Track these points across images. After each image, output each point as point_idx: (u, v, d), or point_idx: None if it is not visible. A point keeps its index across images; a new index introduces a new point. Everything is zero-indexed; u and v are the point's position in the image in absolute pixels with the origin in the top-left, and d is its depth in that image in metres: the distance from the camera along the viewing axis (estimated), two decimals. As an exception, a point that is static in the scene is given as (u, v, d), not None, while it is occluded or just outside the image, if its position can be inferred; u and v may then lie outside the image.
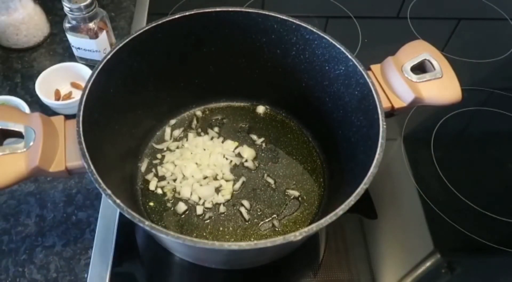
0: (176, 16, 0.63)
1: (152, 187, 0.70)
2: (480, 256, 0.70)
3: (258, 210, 0.69)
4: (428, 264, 0.67)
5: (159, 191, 0.70)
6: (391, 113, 0.63)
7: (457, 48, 1.00)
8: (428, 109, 0.85)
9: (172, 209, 0.68)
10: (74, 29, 0.82)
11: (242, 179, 0.72)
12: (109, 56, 0.58)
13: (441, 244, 0.69)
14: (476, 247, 0.70)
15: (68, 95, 0.83)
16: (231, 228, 0.67)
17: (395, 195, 0.75)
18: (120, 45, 0.59)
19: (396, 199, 0.75)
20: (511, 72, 0.98)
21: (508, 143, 0.85)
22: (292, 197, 0.70)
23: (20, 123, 0.53)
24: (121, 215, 0.68)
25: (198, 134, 0.77)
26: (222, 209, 0.68)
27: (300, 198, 0.70)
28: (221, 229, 0.67)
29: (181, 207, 0.68)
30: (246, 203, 0.69)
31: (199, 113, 0.80)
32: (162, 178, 0.72)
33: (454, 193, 0.75)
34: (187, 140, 0.75)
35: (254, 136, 0.77)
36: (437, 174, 0.78)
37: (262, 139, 0.77)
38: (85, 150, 0.49)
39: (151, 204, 0.69)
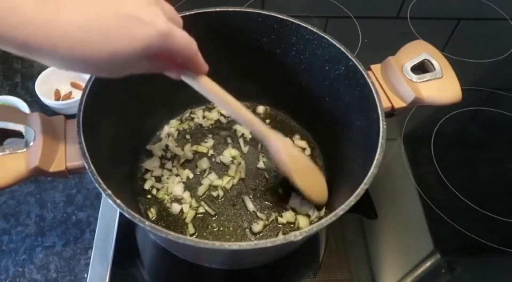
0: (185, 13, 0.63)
1: (147, 186, 0.70)
2: (480, 256, 0.70)
3: (259, 210, 0.69)
4: (428, 264, 0.67)
5: (154, 191, 0.70)
6: (391, 113, 0.63)
7: (457, 48, 1.00)
8: (428, 109, 0.85)
9: (170, 209, 0.68)
10: (74, 29, 0.81)
11: (242, 178, 0.72)
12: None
13: (441, 244, 0.69)
14: (476, 247, 0.70)
15: (68, 95, 0.83)
16: (231, 228, 0.67)
17: (395, 195, 0.75)
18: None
19: (396, 199, 0.75)
20: (511, 72, 0.98)
21: (508, 143, 0.85)
22: (292, 197, 0.70)
23: (20, 124, 0.53)
24: (121, 215, 0.68)
25: (195, 141, 0.77)
26: (220, 208, 0.69)
27: (300, 198, 0.70)
28: (221, 229, 0.67)
29: (176, 207, 0.68)
30: (247, 203, 0.69)
31: (199, 113, 0.80)
32: (158, 179, 0.72)
33: (454, 193, 0.75)
34: (182, 149, 0.75)
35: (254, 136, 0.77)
36: (437, 174, 0.78)
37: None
38: (85, 150, 0.49)
39: (152, 203, 0.69)
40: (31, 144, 0.52)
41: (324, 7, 1.09)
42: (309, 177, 0.64)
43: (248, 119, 0.57)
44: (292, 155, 0.62)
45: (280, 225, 0.67)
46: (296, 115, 0.80)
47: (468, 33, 1.07)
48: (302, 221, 0.67)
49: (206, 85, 0.54)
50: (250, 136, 0.77)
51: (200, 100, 0.80)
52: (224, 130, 0.78)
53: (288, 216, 0.68)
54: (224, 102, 0.55)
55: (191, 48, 0.46)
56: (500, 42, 1.05)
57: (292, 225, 0.67)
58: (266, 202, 0.70)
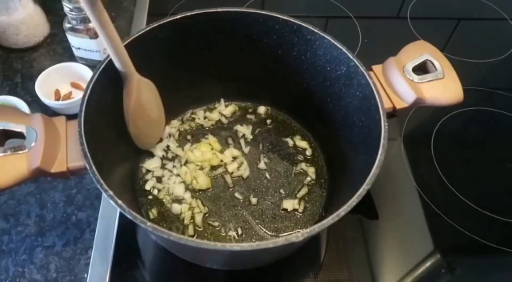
0: (178, 17, 0.63)
1: (148, 186, 0.70)
2: (480, 256, 0.70)
3: (260, 210, 0.69)
4: (428, 264, 0.67)
5: (155, 192, 0.70)
6: (392, 113, 0.63)
7: (457, 48, 1.00)
8: (428, 109, 0.85)
9: (171, 209, 0.68)
10: (74, 29, 0.81)
11: (245, 176, 0.72)
12: (110, 57, 0.58)
13: (441, 244, 0.69)
14: (476, 247, 0.70)
15: (68, 95, 0.83)
16: (232, 229, 0.67)
17: (395, 195, 0.76)
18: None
19: (396, 199, 0.75)
20: (511, 72, 0.98)
21: (508, 143, 0.85)
22: (293, 198, 0.70)
23: (21, 124, 0.53)
24: (121, 215, 0.68)
25: (196, 140, 0.77)
26: (221, 208, 0.69)
27: (302, 199, 0.70)
28: (222, 229, 0.67)
29: (176, 207, 0.68)
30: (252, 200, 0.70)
31: (200, 114, 0.80)
32: (159, 179, 0.72)
33: (454, 193, 0.75)
34: (183, 149, 0.75)
35: (255, 137, 0.78)
36: (437, 174, 0.78)
37: (263, 139, 0.77)
38: (87, 151, 0.49)
39: (153, 204, 0.69)
40: (33, 144, 0.52)
41: (324, 7, 1.09)
42: (143, 128, 0.68)
43: (117, 50, 0.56)
44: (139, 105, 0.63)
45: (282, 226, 0.67)
46: (297, 116, 0.80)
47: (468, 33, 1.07)
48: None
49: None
50: (251, 137, 0.77)
51: (201, 101, 0.80)
52: (225, 130, 0.78)
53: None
54: (100, 24, 0.52)
55: None
56: (500, 42, 1.05)
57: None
58: (267, 202, 0.70)
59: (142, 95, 0.63)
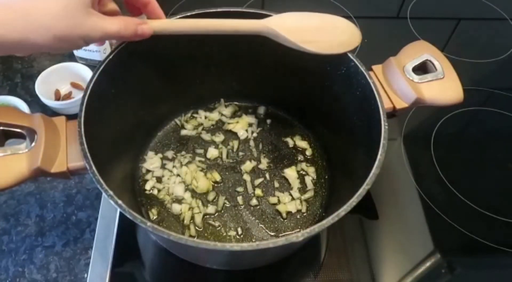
0: (178, 17, 0.63)
1: (148, 186, 0.70)
2: (480, 256, 0.70)
3: (260, 210, 0.69)
4: (428, 264, 0.67)
5: (155, 192, 0.70)
6: (392, 113, 0.63)
7: (457, 48, 1.00)
8: (428, 109, 0.84)
9: (171, 209, 0.68)
10: (74, 28, 0.81)
11: (245, 178, 0.72)
12: (110, 57, 0.58)
13: (441, 244, 0.70)
14: (476, 247, 0.70)
15: (68, 95, 0.83)
16: (232, 228, 0.67)
17: (395, 195, 0.76)
18: (122, 45, 0.59)
19: (396, 199, 0.75)
20: (511, 72, 0.98)
21: (508, 143, 0.85)
22: (294, 198, 0.70)
23: (21, 124, 0.53)
24: (121, 215, 0.68)
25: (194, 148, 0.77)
26: (215, 208, 0.69)
27: (302, 199, 0.70)
28: (222, 229, 0.67)
29: (176, 207, 0.68)
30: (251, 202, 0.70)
31: (200, 113, 0.80)
32: (159, 179, 0.72)
33: (454, 193, 0.75)
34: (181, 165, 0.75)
35: (255, 137, 0.78)
36: (437, 174, 0.78)
37: (263, 139, 0.77)
38: (87, 151, 0.49)
39: (153, 204, 0.69)
40: (33, 144, 0.52)
41: (324, 7, 1.09)
42: (315, 34, 0.63)
43: (235, 26, 0.59)
44: (292, 26, 0.61)
45: (282, 227, 0.67)
46: (297, 116, 0.80)
47: (468, 33, 1.07)
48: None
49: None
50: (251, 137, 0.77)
51: (201, 101, 0.80)
52: (225, 130, 0.78)
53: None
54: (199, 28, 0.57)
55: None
56: (500, 42, 1.05)
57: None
58: (267, 203, 0.70)
59: (286, 23, 0.61)
